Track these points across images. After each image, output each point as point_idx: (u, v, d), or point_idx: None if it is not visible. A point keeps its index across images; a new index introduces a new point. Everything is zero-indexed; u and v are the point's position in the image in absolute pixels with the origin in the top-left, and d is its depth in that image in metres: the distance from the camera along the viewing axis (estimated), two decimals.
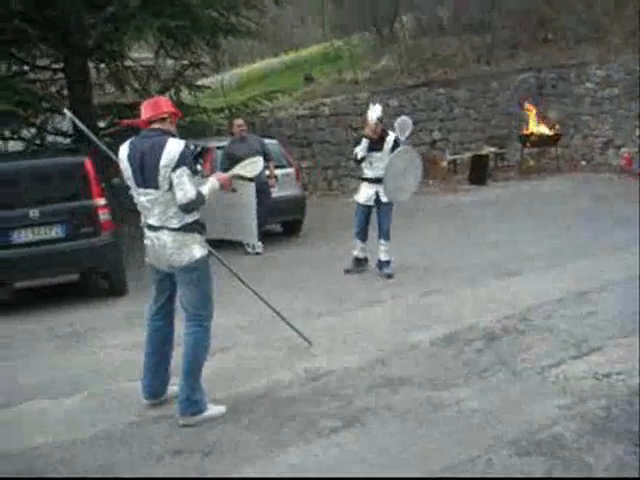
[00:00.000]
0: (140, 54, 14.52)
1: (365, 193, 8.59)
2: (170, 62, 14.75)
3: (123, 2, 11.70)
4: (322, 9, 28.01)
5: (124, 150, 4.77)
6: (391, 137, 8.46)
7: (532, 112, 17.57)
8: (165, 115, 4.80)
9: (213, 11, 12.51)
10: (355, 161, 8.77)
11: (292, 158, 12.54)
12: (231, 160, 10.40)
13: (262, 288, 8.25)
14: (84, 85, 12.24)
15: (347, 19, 23.54)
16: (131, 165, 4.70)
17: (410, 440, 4.30)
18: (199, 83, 14.96)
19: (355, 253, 8.82)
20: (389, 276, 8.45)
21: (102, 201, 8.31)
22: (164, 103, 4.95)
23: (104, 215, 8.32)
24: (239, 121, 10.90)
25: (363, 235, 8.73)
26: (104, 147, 5.69)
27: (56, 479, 4.23)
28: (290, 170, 11.66)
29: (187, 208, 4.64)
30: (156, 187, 4.63)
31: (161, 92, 13.59)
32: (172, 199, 4.62)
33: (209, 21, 12.41)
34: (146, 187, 4.67)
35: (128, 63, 13.46)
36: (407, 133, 8.41)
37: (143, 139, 4.74)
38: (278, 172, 10.90)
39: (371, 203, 8.55)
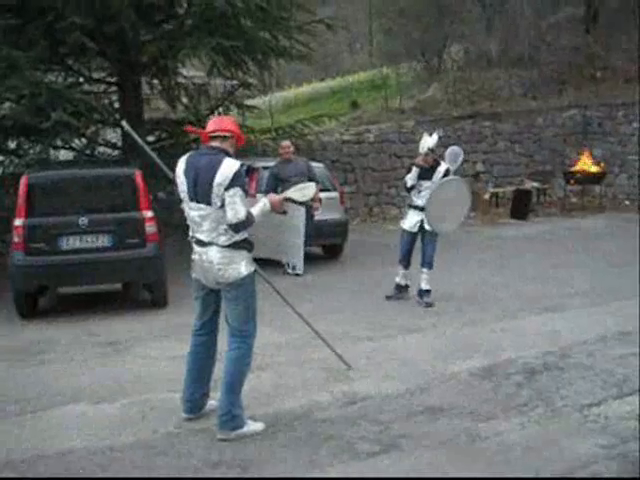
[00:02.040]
0: (189, 72, 14.74)
1: (411, 220, 8.63)
2: (219, 81, 14.95)
3: (180, 20, 11.96)
4: (371, 36, 28.28)
5: (181, 164, 4.86)
6: (443, 167, 8.48)
7: (586, 156, 17.56)
8: (227, 134, 4.87)
9: (266, 33, 12.67)
10: (405, 189, 8.77)
11: (336, 182, 12.61)
12: (277, 181, 10.54)
13: (300, 310, 8.29)
14: (136, 99, 12.48)
15: (395, 47, 23.68)
16: (186, 179, 4.79)
17: (448, 470, 4.29)
18: (248, 103, 15.13)
19: (397, 280, 8.84)
20: (429, 305, 8.45)
21: (149, 213, 8.43)
22: (230, 123, 5.01)
23: (150, 227, 8.42)
24: (286, 142, 11.00)
25: (406, 262, 8.76)
26: (159, 160, 5.80)
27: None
28: (334, 194, 11.73)
29: (236, 228, 4.69)
30: (208, 203, 4.70)
31: (211, 110, 13.81)
32: (223, 216, 4.68)
33: (262, 43, 12.57)
34: (198, 202, 4.75)
35: (180, 80, 13.69)
36: (457, 164, 8.43)
37: (200, 155, 4.84)
38: (322, 195, 10.95)
39: (415, 230, 8.58)
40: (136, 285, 9.05)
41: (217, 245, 4.76)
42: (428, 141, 8.38)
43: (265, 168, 11.08)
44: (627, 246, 12.45)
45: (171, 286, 8.85)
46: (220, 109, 14.06)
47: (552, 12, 23.71)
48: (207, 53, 11.74)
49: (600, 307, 8.28)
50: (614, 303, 8.39)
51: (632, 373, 5.92)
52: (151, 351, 6.94)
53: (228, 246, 4.76)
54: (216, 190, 4.64)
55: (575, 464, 4.32)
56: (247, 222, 4.70)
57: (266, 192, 10.73)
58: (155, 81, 13.58)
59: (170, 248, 9.59)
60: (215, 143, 4.84)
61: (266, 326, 7.14)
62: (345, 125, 18.06)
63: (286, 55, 13.40)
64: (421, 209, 8.47)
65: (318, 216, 10.69)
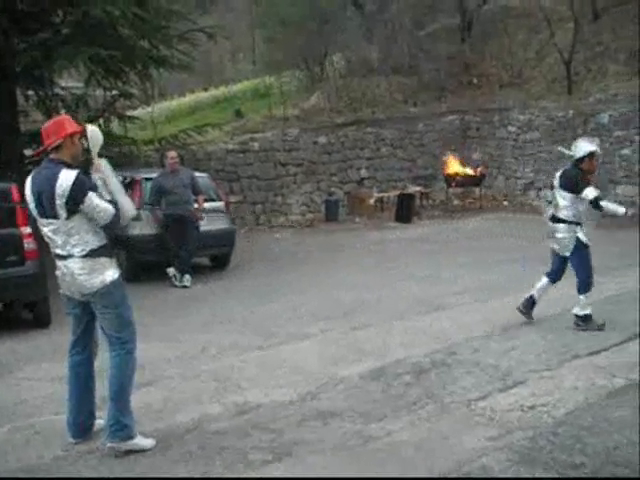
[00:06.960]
0: (69, 82, 14.34)
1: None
2: (100, 92, 14.61)
3: (55, 28, 11.61)
4: (253, 46, 28.31)
5: (28, 182, 4.76)
6: None
7: (452, 161, 18.22)
8: (60, 142, 4.66)
9: (146, 42, 12.48)
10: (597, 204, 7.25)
11: (222, 192, 12.54)
12: (160, 192, 10.40)
13: (189, 321, 8.21)
14: (11, 111, 12.02)
15: (278, 56, 23.78)
16: (33, 197, 4.70)
17: (342, 473, 4.31)
18: (129, 114, 14.85)
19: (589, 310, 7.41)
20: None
21: (28, 229, 8.10)
22: (58, 127, 4.71)
23: (29, 244, 8.11)
24: (172, 153, 10.82)
25: None
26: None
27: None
28: (220, 204, 11.64)
29: (116, 222, 4.72)
30: (55, 217, 4.62)
31: (90, 121, 13.43)
32: (73, 227, 4.62)
33: (141, 52, 12.37)
34: (47, 217, 4.67)
35: (57, 91, 13.28)
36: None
37: (41, 170, 4.73)
38: (207, 205, 10.88)
39: None
40: (17, 304, 8.68)
41: (75, 257, 4.68)
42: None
43: (148, 179, 10.89)
44: (507, 244, 12.96)
45: (53, 304, 8.52)
46: (100, 120, 13.73)
47: (430, 21, 24.41)
48: (84, 63, 11.45)
49: (484, 304, 8.56)
50: (496, 300, 8.69)
51: (515, 366, 6.15)
52: (35, 372, 6.66)
53: (85, 256, 4.68)
54: (59, 202, 4.55)
55: (464, 458, 4.43)
56: (121, 212, 4.73)
57: (151, 204, 10.58)
58: (31, 92, 13.13)
59: (51, 265, 9.24)
60: (52, 155, 4.72)
61: (154, 340, 7.03)
62: (229, 134, 17.99)
63: (167, 64, 13.25)
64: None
65: (204, 226, 10.60)
